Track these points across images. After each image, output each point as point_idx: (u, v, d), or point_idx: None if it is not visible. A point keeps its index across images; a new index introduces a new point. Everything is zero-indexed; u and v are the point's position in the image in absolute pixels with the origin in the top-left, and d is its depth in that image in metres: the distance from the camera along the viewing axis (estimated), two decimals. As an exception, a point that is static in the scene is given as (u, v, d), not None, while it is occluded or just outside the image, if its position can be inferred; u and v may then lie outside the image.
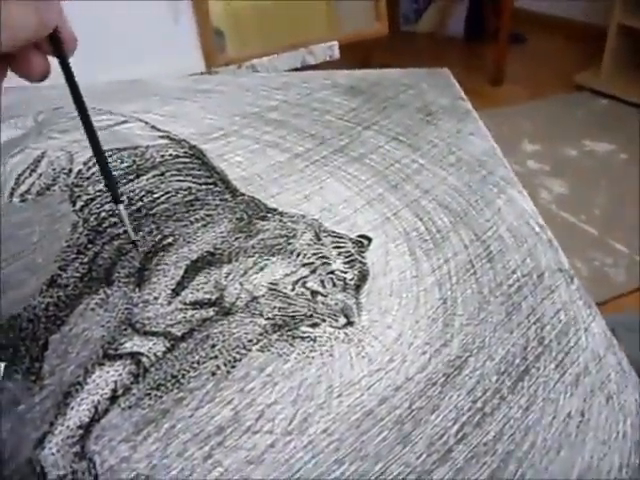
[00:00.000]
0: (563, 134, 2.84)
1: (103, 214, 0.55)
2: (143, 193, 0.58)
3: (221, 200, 0.57)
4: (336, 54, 2.15)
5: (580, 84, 3.31)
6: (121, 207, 0.48)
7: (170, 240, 0.52)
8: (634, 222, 2.14)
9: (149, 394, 0.41)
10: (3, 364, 0.43)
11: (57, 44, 0.39)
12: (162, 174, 0.60)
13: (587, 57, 3.47)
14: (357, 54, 3.04)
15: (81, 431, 0.39)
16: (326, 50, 2.12)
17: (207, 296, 0.48)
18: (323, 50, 2.11)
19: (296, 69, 2.04)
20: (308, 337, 0.45)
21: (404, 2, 4.34)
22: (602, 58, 3.21)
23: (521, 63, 3.66)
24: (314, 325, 0.46)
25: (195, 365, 0.43)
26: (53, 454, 0.38)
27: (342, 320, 0.46)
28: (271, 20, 2.05)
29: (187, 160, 0.63)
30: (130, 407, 0.41)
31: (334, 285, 0.48)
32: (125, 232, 0.52)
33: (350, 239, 0.53)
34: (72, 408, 0.40)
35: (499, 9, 3.41)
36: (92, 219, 0.55)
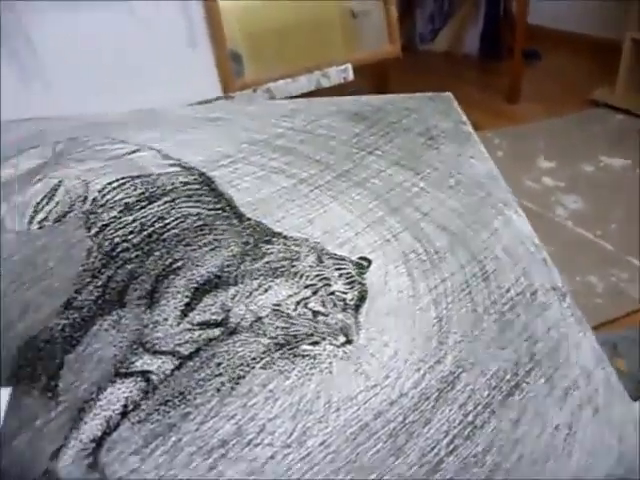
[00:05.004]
0: (579, 150, 2.84)
1: (117, 239, 0.58)
2: (155, 219, 0.60)
3: (228, 225, 0.60)
4: (350, 76, 2.18)
5: (595, 100, 3.32)
6: None
7: (180, 264, 0.55)
8: (650, 238, 2.13)
9: (157, 409, 0.44)
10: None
11: None
12: (173, 200, 0.63)
13: (602, 73, 3.47)
14: (374, 74, 3.07)
15: (94, 444, 0.42)
16: (340, 72, 2.15)
17: (214, 317, 0.50)
18: (337, 73, 2.14)
19: (311, 92, 2.07)
20: (308, 355, 0.47)
21: (420, 22, 4.38)
22: (617, 74, 3.21)
23: (537, 80, 3.67)
24: (315, 343, 0.48)
25: (201, 382, 0.45)
26: (68, 465, 0.40)
27: (341, 339, 0.48)
28: (288, 42, 2.08)
29: (197, 187, 0.66)
30: (140, 422, 0.43)
31: (335, 305, 0.50)
32: (137, 257, 0.55)
33: (351, 261, 0.55)
34: (85, 423, 0.43)
35: (513, 26, 3.43)
36: (106, 244, 0.58)
